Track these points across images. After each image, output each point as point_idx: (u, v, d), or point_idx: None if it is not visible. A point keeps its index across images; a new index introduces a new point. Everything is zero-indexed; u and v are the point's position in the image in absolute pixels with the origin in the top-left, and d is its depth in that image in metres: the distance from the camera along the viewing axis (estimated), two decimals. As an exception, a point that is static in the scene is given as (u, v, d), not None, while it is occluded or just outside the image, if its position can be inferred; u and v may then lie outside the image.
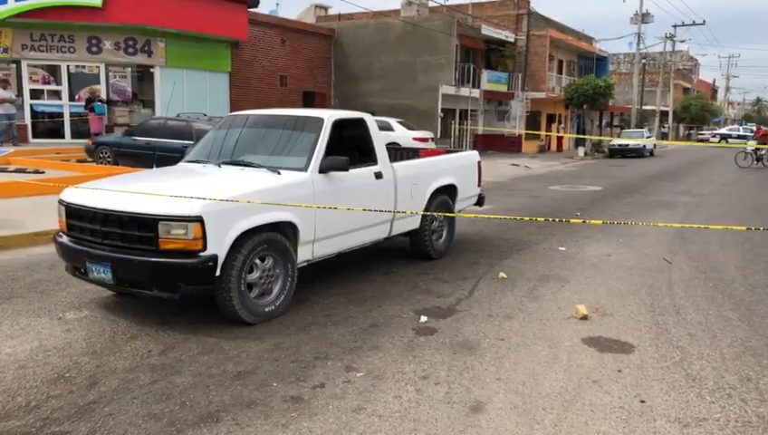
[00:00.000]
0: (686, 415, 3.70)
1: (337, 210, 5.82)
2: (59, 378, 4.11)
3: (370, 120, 6.79)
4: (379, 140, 6.78)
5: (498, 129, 31.93)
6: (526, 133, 32.19)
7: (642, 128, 44.84)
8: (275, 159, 5.91)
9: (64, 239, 5.35)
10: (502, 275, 6.93)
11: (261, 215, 5.13)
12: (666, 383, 4.13)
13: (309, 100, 27.79)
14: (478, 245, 8.64)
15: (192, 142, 14.55)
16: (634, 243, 8.99)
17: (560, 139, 37.49)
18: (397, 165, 6.92)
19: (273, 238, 5.28)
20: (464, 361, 4.47)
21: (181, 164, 6.48)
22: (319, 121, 6.15)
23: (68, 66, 20.11)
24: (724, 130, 59.62)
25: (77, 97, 20.25)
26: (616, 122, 51.03)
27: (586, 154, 34.10)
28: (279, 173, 5.62)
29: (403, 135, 23.25)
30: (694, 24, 58.71)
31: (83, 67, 20.40)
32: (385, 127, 23.43)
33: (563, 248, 8.53)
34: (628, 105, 47.23)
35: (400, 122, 23.79)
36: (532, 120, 35.26)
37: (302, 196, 5.49)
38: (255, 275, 5.21)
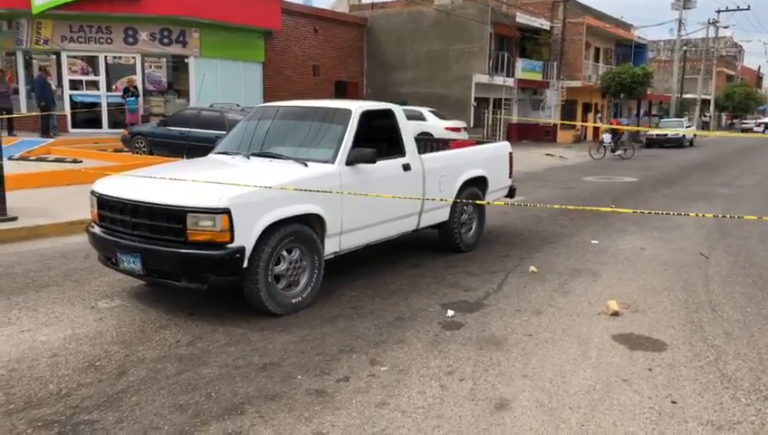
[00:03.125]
0: (719, 417, 3.60)
1: (364, 203, 5.80)
2: (89, 367, 4.19)
3: (398, 112, 6.73)
4: (407, 131, 6.73)
5: (532, 118, 31.50)
6: (561, 123, 31.67)
7: (682, 117, 43.69)
8: (303, 151, 5.91)
9: (96, 230, 5.44)
10: (532, 268, 6.83)
11: (288, 207, 5.14)
12: (699, 384, 4.02)
13: (341, 89, 27.79)
14: (509, 237, 8.54)
15: (225, 132, 14.74)
16: (669, 236, 8.77)
17: (596, 128, 36.78)
18: (425, 157, 6.86)
19: (301, 230, 5.29)
20: (490, 356, 4.42)
21: (211, 155, 6.53)
22: (347, 113, 6.12)
23: (105, 57, 20.47)
24: (766, 120, 57.72)
25: (114, 87, 20.61)
26: (654, 111, 49.92)
27: (622, 143, 33.38)
28: (306, 165, 5.62)
29: (435, 125, 23.11)
30: (738, 9, 56.80)
31: (120, 58, 20.73)
32: (417, 116, 23.34)
33: (596, 241, 8.37)
34: (668, 93, 46.09)
35: (432, 112, 23.65)
36: (568, 110, 34.69)
37: (329, 188, 5.47)
38: (282, 266, 5.22)
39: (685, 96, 51.94)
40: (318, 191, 5.28)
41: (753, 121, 61.77)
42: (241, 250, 4.80)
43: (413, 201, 6.50)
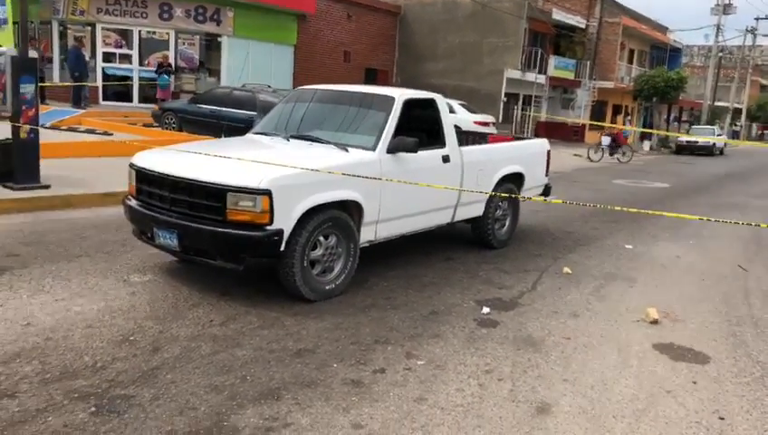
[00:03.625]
0: (768, 437, 3.47)
1: (402, 192, 5.71)
2: (124, 340, 4.15)
3: (441, 102, 6.61)
4: (449, 122, 6.61)
5: (561, 117, 31.12)
6: (590, 123, 31.25)
7: (713, 125, 42.93)
8: (343, 136, 5.82)
9: (133, 203, 5.41)
10: (566, 269, 6.70)
11: (328, 192, 5.06)
12: (746, 401, 3.89)
13: (371, 77, 27.62)
14: (540, 237, 8.40)
15: (255, 113, 14.70)
16: (705, 245, 8.57)
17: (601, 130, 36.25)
18: (465, 149, 6.74)
19: (339, 217, 5.21)
20: (528, 358, 4.32)
21: (249, 135, 6.46)
22: (389, 100, 6.02)
23: (140, 31, 20.51)
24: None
25: (147, 62, 20.66)
26: (684, 117, 49.12)
27: (651, 149, 32.95)
28: (347, 150, 5.53)
29: (464, 118, 22.86)
30: (777, 17, 55.65)
31: (154, 33, 20.77)
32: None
33: (630, 246, 8.20)
34: (699, 100, 45.28)
35: (462, 105, 23.41)
36: (598, 110, 34.23)
37: (369, 175, 5.38)
38: (318, 252, 5.15)
39: (717, 104, 51.02)
40: (360, 177, 5.20)
41: (786, 134, 60.48)
42: (279, 233, 4.73)
43: (450, 194, 6.39)
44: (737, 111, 59.72)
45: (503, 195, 7.14)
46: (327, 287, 5.22)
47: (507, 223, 7.66)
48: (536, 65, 28.40)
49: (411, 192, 5.82)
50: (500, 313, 5.22)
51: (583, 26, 31.85)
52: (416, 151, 5.75)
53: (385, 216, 5.70)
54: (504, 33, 26.60)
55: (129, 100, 20.59)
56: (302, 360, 4.04)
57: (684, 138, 32.94)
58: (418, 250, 7.04)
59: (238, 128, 14.74)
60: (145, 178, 5.24)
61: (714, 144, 32.51)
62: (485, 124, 23.11)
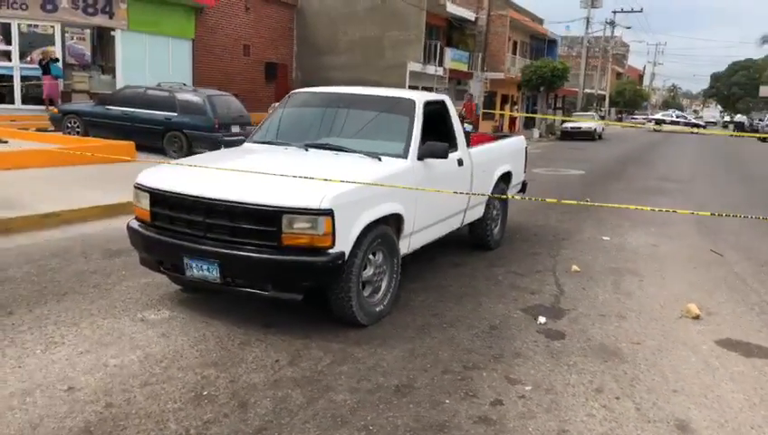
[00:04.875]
0: None
1: (431, 201, 5.42)
2: (198, 397, 3.56)
3: (450, 103, 6.36)
4: (459, 124, 6.37)
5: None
6: (486, 112, 32.20)
7: (586, 112, 45.81)
8: (367, 144, 5.40)
9: (147, 231, 4.68)
10: (575, 268, 6.70)
11: (379, 207, 4.67)
12: (842, 393, 4.00)
13: (271, 71, 26.70)
14: (522, 233, 8.39)
15: (176, 114, 13.65)
16: (668, 232, 8.95)
17: (512, 120, 37.82)
18: (472, 151, 6.53)
19: (386, 232, 4.83)
20: (622, 369, 4.20)
21: (253, 146, 5.82)
22: (411, 103, 5.68)
23: (19, 24, 18.37)
24: (659, 115, 61.82)
25: (29, 59, 18.57)
26: (559, 105, 52.03)
27: (541, 136, 34.58)
28: (380, 159, 5.13)
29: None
30: (632, 11, 60.24)
31: (36, 27, 18.71)
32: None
33: (607, 238, 8.40)
34: (573, 88, 48.13)
35: (371, 99, 23.22)
36: (488, 101, 35.33)
37: (407, 184, 5.02)
38: (369, 272, 4.74)
39: (586, 91, 54.50)
40: (405, 188, 4.83)
41: (642, 117, 65.69)
42: (341, 256, 4.28)
43: (463, 198, 6.18)
44: (601, 98, 64.23)
45: (501, 196, 7.03)
46: (377, 309, 4.82)
47: (499, 222, 7.57)
48: (436, 58, 28.76)
49: (438, 200, 5.55)
50: (555, 321, 5.08)
51: (473, 19, 32.63)
52: (446, 157, 5.47)
53: (418, 226, 5.38)
54: (406, 27, 26.67)
55: (11, 101, 18.41)
56: (409, 399, 3.65)
57: (569, 124, 34.85)
58: (422, 256, 6.73)
59: (156, 130, 13.67)
60: (166, 202, 4.55)
61: (595, 129, 34.65)
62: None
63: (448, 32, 32.41)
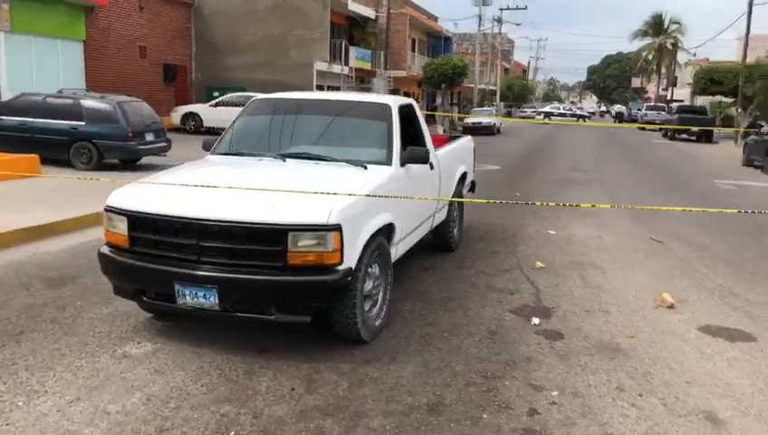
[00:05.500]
0: None
1: (412, 207, 5.33)
2: (226, 439, 3.25)
3: (417, 106, 6.27)
4: (425, 127, 6.29)
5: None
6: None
7: (483, 106, 47.30)
8: (345, 151, 5.21)
9: (125, 257, 4.25)
10: (539, 264, 6.83)
11: (377, 218, 4.51)
12: (830, 370, 4.29)
13: (170, 73, 25.47)
14: (472, 232, 8.45)
15: (83, 123, 12.64)
16: (603, 223, 9.34)
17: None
18: (438, 153, 6.47)
19: (381, 243, 4.66)
20: (631, 365, 4.29)
21: (220, 158, 5.42)
22: (386, 108, 5.54)
23: None
24: (547, 108, 64.85)
25: None
26: (455, 101, 53.41)
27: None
28: (365, 168, 4.96)
29: (285, 113, 22.27)
30: (518, 8, 62.75)
31: None
32: (265, 104, 22.33)
33: (553, 232, 8.64)
34: (468, 84, 49.54)
35: (280, 100, 22.70)
36: (392, 98, 35.61)
37: (396, 192, 4.89)
38: (369, 285, 4.56)
39: (479, 87, 56.30)
40: (396, 197, 4.69)
41: (531, 110, 68.54)
42: (350, 272, 4.09)
43: (434, 202, 6.12)
44: (492, 93, 66.58)
45: (461, 199, 7.04)
46: (377, 323, 4.66)
47: (457, 223, 7.58)
48: (341, 57, 28.60)
49: (417, 206, 5.48)
50: (547, 321, 5.13)
51: (374, 17, 32.75)
52: (428, 162, 5.38)
53: (403, 234, 5.25)
54: (310, 25, 26.29)
55: None
56: (446, 417, 3.53)
57: (470, 120, 35.77)
58: (395, 264, 6.62)
59: (60, 141, 12.59)
60: (149, 225, 4.14)
61: (494, 124, 35.79)
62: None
63: (349, 30, 32.33)
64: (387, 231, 4.84)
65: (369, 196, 4.33)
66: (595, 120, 69.86)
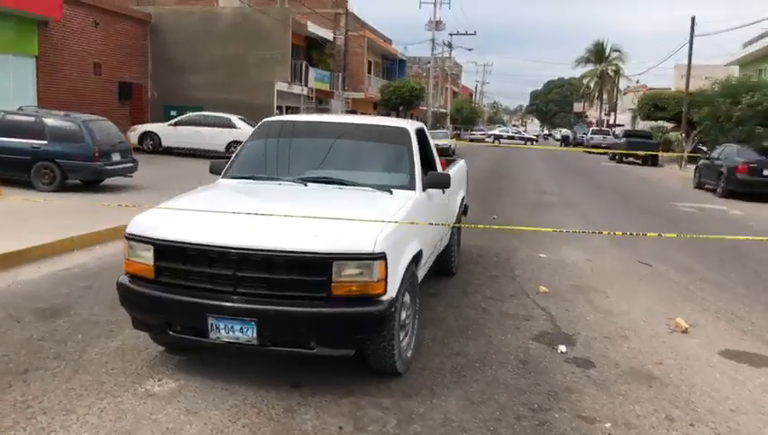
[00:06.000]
0: None
1: (431, 232, 5.23)
2: (288, 486, 3.03)
3: (427, 129, 6.19)
4: (434, 150, 6.22)
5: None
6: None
7: (436, 129, 47.82)
8: (366, 176, 5.08)
9: (151, 288, 3.97)
10: (543, 289, 6.82)
11: (412, 244, 4.40)
12: None
13: (125, 91, 24.77)
14: (466, 256, 8.38)
15: (45, 142, 12.04)
16: (588, 246, 9.44)
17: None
18: (446, 178, 6.39)
19: (413, 271, 4.53)
20: (671, 394, 4.27)
21: (235, 182, 5.16)
22: (405, 132, 5.45)
23: None
24: (496, 132, 66.07)
25: None
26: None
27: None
28: (391, 193, 4.83)
29: (247, 133, 21.69)
30: (467, 33, 64.06)
31: None
32: (226, 124, 21.97)
33: (544, 255, 8.67)
34: (422, 107, 50.10)
35: (242, 120, 22.35)
36: (349, 119, 35.67)
37: (423, 218, 4.79)
38: (403, 315, 4.40)
39: (431, 109, 57.02)
40: (433, 224, 4.58)
41: (480, 132, 69.50)
42: (393, 302, 3.93)
43: (445, 227, 6.05)
44: (443, 115, 67.53)
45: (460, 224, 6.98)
46: (408, 354, 4.50)
47: (457, 248, 7.51)
48: (301, 78, 28.45)
49: (435, 231, 5.39)
50: (572, 348, 5.08)
51: (332, 39, 32.84)
52: (449, 186, 5.30)
53: (425, 260, 5.14)
54: (272, 46, 26.06)
55: None
56: (509, 454, 3.41)
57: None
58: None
59: (19, 162, 11.94)
60: (179, 254, 3.89)
61: (450, 145, 36.18)
62: (269, 139, 22.43)
63: (308, 51, 32.26)
64: (415, 258, 4.72)
65: (411, 222, 4.20)
66: (540, 143, 71.52)
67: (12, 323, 5.14)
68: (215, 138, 21.73)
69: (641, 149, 32.03)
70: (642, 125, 49.75)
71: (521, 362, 4.73)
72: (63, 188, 12.10)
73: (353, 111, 35.97)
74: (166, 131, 22.03)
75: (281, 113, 27.47)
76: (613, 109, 65.04)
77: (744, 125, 20.02)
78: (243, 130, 21.88)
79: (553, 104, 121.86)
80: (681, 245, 9.62)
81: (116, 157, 12.83)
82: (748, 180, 17.19)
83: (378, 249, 3.78)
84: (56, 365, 4.34)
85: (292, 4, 31.41)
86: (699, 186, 20.37)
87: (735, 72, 39.62)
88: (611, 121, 61.75)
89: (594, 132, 49.36)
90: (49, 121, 12.29)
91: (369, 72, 39.96)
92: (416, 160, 5.20)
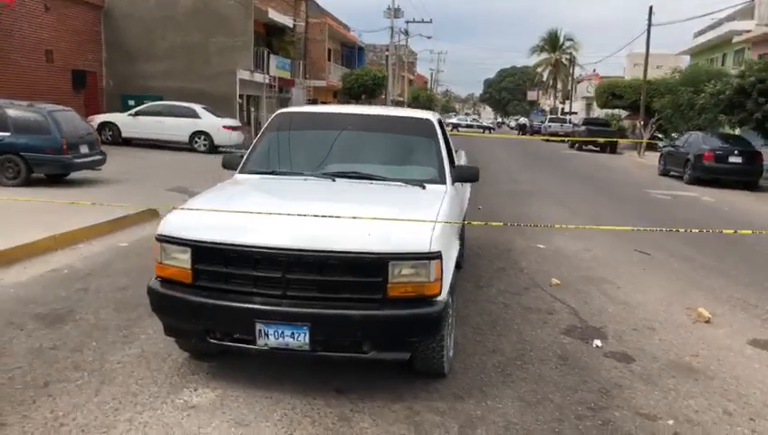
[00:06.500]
0: None
1: (460, 228, 5.08)
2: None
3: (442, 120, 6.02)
4: (450, 141, 6.05)
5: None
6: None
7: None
8: (394, 170, 4.87)
9: (189, 293, 3.69)
10: (555, 281, 6.75)
11: (456, 242, 4.23)
12: None
13: (79, 80, 23.67)
14: (466, 248, 8.28)
15: (8, 134, 11.35)
16: (581, 235, 9.44)
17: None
18: (459, 170, 6.24)
19: (453, 269, 4.36)
20: (720, 387, 4.25)
21: (255, 177, 4.84)
22: (430, 124, 5.27)
23: None
24: (454, 120, 66.36)
25: None
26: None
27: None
28: (424, 187, 4.65)
29: (211, 123, 21.28)
30: (423, 21, 63.93)
31: None
32: (190, 114, 21.28)
33: (542, 246, 8.63)
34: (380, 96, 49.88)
35: (206, 109, 21.70)
36: (311, 108, 35.16)
37: (457, 213, 4.63)
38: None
39: (391, 98, 56.85)
40: (462, 222, 4.42)
41: (437, 121, 69.63)
42: (447, 303, 3.76)
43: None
44: (400, 103, 67.50)
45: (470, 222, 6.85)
46: (451, 354, 4.35)
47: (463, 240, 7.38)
48: (263, 65, 27.81)
49: (460, 225, 5.24)
50: (606, 341, 5.02)
51: (292, 26, 32.21)
52: (478, 180, 5.15)
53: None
54: (233, 33, 25.29)
55: None
56: (585, 457, 3.29)
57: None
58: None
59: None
60: (221, 256, 3.62)
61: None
62: (235, 129, 21.89)
63: (268, 39, 31.54)
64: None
65: (456, 221, 4.03)
66: (496, 131, 72.23)
67: (15, 331, 4.76)
68: (178, 128, 21.05)
69: (601, 136, 32.65)
70: (597, 113, 50.81)
71: (560, 359, 4.64)
72: (29, 182, 11.46)
73: (314, 100, 35.46)
74: (125, 122, 21.18)
75: (243, 103, 26.84)
76: (567, 97, 66.22)
77: (708, 113, 20.53)
78: (207, 120, 21.28)
79: (506, 92, 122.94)
80: (670, 232, 9.73)
81: (84, 149, 12.20)
82: (714, 167, 17.65)
83: (434, 248, 3.60)
84: (78, 376, 4.02)
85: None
86: (665, 173, 20.83)
87: (686, 61, 40.81)
88: (566, 109, 62.77)
89: (552, 120, 50.00)
90: (11, 112, 11.58)
91: (329, 60, 39.44)
92: (443, 153, 5.02)
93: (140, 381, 3.98)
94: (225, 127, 21.41)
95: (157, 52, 25.34)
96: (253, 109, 27.74)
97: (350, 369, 4.15)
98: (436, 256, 3.61)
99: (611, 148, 33.69)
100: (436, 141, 5.08)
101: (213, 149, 21.16)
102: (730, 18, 33.75)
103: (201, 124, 21.21)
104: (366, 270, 3.54)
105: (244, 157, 5.14)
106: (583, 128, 35.76)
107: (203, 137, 21.18)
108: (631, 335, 5.18)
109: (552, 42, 69.34)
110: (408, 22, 62.09)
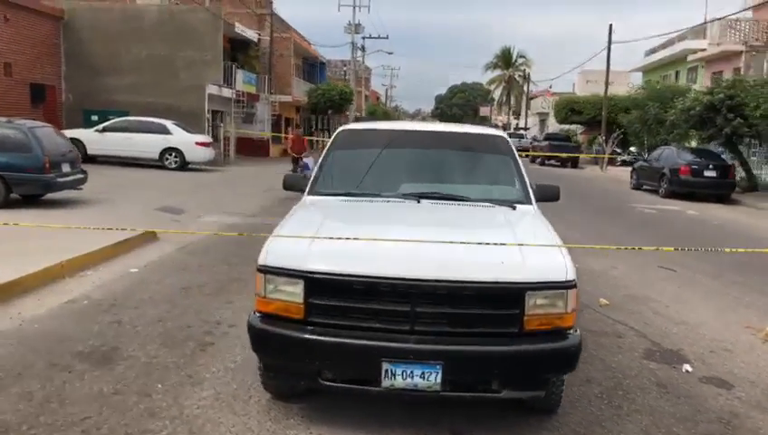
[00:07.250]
0: None
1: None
2: None
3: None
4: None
5: (248, 132, 30.47)
6: (274, 135, 31.49)
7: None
8: (477, 189, 4.61)
9: (301, 331, 3.30)
10: (604, 301, 6.59)
11: (567, 266, 3.95)
12: None
13: (38, 94, 22.60)
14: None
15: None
16: (599, 252, 9.36)
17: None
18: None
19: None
20: (833, 411, 4.10)
21: (330, 199, 4.45)
22: (505, 140, 5.02)
23: None
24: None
25: None
26: (326, 127, 53.18)
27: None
28: (514, 208, 4.39)
29: (183, 140, 20.60)
30: (379, 37, 64.06)
31: None
32: (160, 130, 20.56)
33: (577, 265, 8.45)
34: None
35: (177, 125, 21.00)
36: (276, 124, 34.59)
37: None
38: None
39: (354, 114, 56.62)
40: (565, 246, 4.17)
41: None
42: (581, 335, 3.49)
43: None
44: (358, 118, 67.36)
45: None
46: (556, 387, 4.08)
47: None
48: (230, 80, 27.17)
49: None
50: (692, 366, 4.84)
51: (257, 40, 31.69)
52: (558, 199, 4.92)
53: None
54: (202, 47, 24.57)
55: None
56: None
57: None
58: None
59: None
60: (340, 289, 3.26)
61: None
62: (207, 145, 21.25)
63: (232, 53, 30.91)
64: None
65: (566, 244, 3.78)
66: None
67: (63, 374, 4.25)
68: (148, 145, 20.28)
69: (562, 151, 33.21)
70: (552, 128, 51.77)
71: (660, 386, 4.43)
72: (7, 204, 10.67)
73: (278, 116, 34.91)
74: (92, 138, 20.23)
75: (211, 118, 26.14)
76: (518, 113, 67.47)
77: (678, 128, 21.04)
78: (178, 136, 20.60)
79: (457, 108, 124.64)
80: (682, 248, 9.75)
81: (66, 168, 11.49)
82: (690, 181, 18.04)
83: (569, 277, 3.34)
84: (161, 426, 3.57)
85: (214, 4, 29.99)
86: (637, 187, 21.18)
87: (639, 77, 42.07)
88: (521, 125, 63.88)
89: (509, 136, 50.58)
90: (-11, 129, 10.81)
91: (293, 75, 38.96)
92: (523, 171, 4.78)
93: (233, 429, 3.55)
94: (197, 143, 20.76)
95: (122, 65, 24.43)
96: (221, 124, 27.00)
97: (454, 409, 3.82)
98: (572, 284, 3.35)
99: (572, 163, 34.25)
100: (513, 159, 4.84)
101: (184, 165, 20.48)
102: (681, 38, 34.93)
103: (172, 140, 20.50)
104: (502, 301, 3.25)
105: (312, 177, 4.75)
106: (545, 143, 36.25)
107: (174, 153, 20.47)
108: (713, 358, 5.03)
109: (506, 59, 70.74)
110: (364, 38, 62.26)
